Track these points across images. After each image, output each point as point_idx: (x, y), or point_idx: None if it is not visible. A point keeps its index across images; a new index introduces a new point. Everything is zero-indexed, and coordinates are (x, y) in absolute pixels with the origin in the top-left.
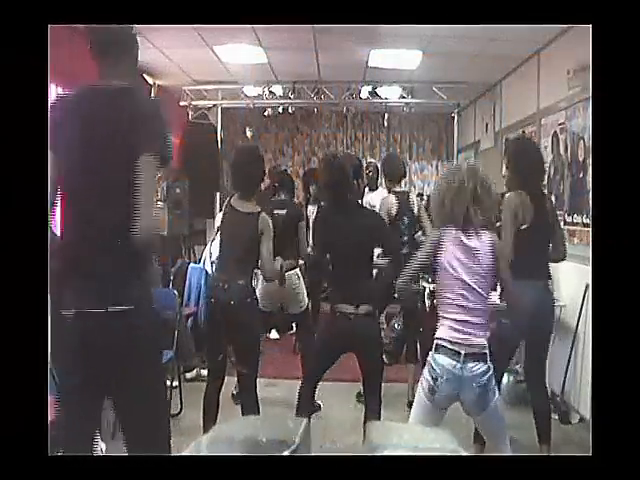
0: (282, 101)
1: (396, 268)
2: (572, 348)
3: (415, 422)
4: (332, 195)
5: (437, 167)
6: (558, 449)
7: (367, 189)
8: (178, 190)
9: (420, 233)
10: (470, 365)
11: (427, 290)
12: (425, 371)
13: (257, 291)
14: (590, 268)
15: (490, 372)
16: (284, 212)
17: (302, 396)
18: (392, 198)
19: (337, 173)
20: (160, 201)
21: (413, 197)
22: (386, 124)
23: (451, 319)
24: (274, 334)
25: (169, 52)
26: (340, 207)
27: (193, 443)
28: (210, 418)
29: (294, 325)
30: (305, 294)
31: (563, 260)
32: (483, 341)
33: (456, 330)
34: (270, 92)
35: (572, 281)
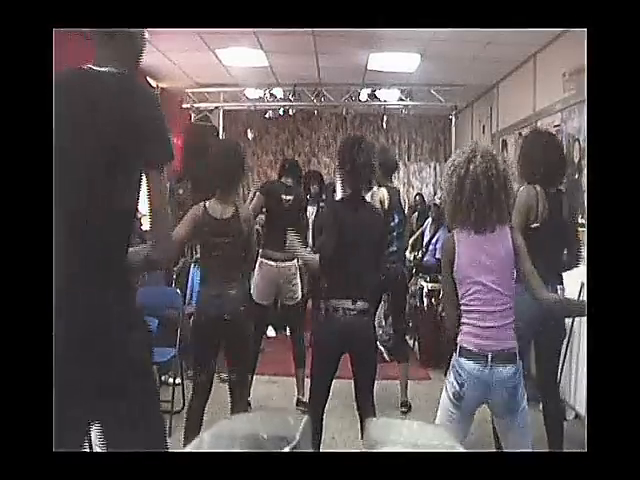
0: (283, 103)
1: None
2: (567, 346)
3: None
4: (354, 183)
5: (435, 168)
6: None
7: None
8: (181, 191)
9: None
10: (499, 369)
11: (425, 289)
12: (450, 376)
13: (252, 282)
14: (585, 267)
15: (519, 372)
16: (291, 197)
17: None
18: (384, 191)
19: (365, 157)
20: None
21: (403, 195)
22: (385, 126)
23: (472, 325)
24: (271, 332)
25: (172, 55)
26: (354, 198)
27: (194, 439)
28: (193, 434)
29: (286, 326)
30: (300, 287)
31: (576, 267)
32: (511, 342)
33: (477, 336)
34: (271, 94)
35: (567, 280)
